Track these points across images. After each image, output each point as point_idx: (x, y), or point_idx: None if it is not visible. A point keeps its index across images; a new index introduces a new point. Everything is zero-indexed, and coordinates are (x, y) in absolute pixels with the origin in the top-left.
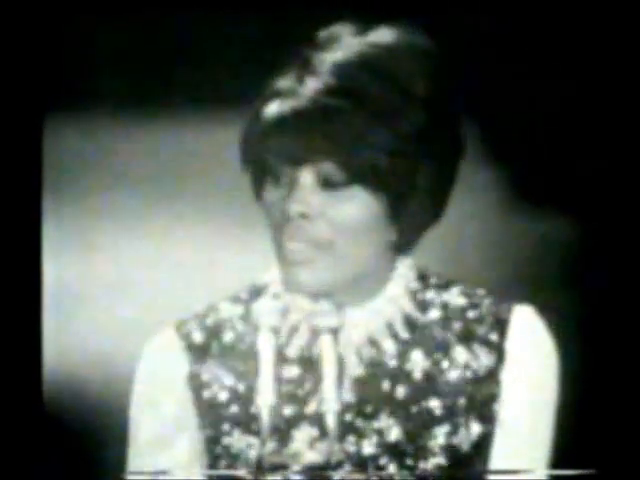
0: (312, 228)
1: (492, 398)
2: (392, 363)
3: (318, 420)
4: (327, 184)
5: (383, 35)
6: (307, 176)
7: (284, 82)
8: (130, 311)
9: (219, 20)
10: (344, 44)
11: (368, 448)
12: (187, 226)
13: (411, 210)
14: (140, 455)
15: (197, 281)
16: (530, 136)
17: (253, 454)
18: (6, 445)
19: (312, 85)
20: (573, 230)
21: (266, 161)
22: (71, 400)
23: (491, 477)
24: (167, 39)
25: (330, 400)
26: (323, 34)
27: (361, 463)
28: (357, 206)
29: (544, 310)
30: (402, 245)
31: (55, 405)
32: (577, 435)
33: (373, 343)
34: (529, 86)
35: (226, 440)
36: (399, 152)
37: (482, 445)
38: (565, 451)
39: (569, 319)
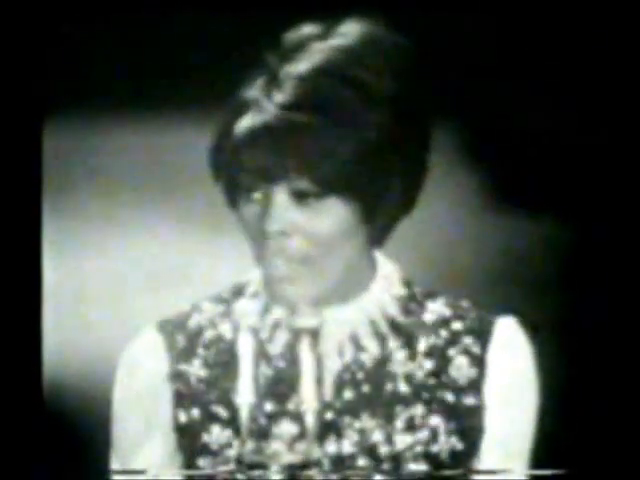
0: (291, 244)
1: (472, 409)
2: (374, 364)
3: (296, 420)
4: (301, 199)
5: (348, 35)
6: (280, 194)
7: (251, 93)
8: (130, 311)
9: (219, 22)
10: (308, 51)
11: (348, 448)
12: (188, 228)
13: (384, 210)
14: (121, 454)
15: (198, 282)
16: (516, 139)
17: (232, 453)
18: (6, 444)
19: (278, 99)
20: (560, 233)
21: (238, 178)
22: (71, 399)
23: (470, 477)
24: (168, 39)
25: (309, 400)
26: (287, 40)
27: (339, 462)
28: (333, 218)
29: (528, 314)
30: (375, 238)
31: (55, 404)
32: (553, 438)
33: (355, 342)
34: (513, 88)
35: (205, 438)
36: (368, 158)
37: (462, 455)
38: (541, 452)
39: (554, 323)
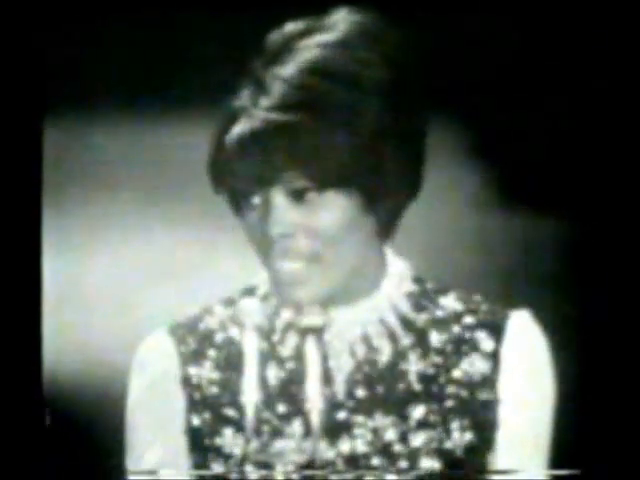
0: (296, 245)
1: (487, 404)
2: (386, 362)
3: (303, 418)
4: (299, 198)
5: (335, 28)
6: (278, 196)
7: (239, 102)
8: (130, 311)
9: (220, 22)
10: (294, 51)
11: (361, 447)
12: (189, 228)
13: (385, 198)
14: (135, 457)
15: (200, 282)
16: (525, 136)
17: (237, 451)
18: (6, 445)
19: (266, 104)
20: (567, 231)
21: (236, 186)
22: (71, 400)
23: (486, 477)
24: (168, 40)
25: (314, 399)
26: (271, 42)
27: (353, 462)
28: (333, 212)
29: (539, 312)
30: (384, 230)
31: (55, 405)
32: (568, 435)
33: (367, 341)
34: (518, 87)
35: (218, 440)
36: (362, 149)
37: (477, 451)
38: (559, 452)
39: (564, 320)
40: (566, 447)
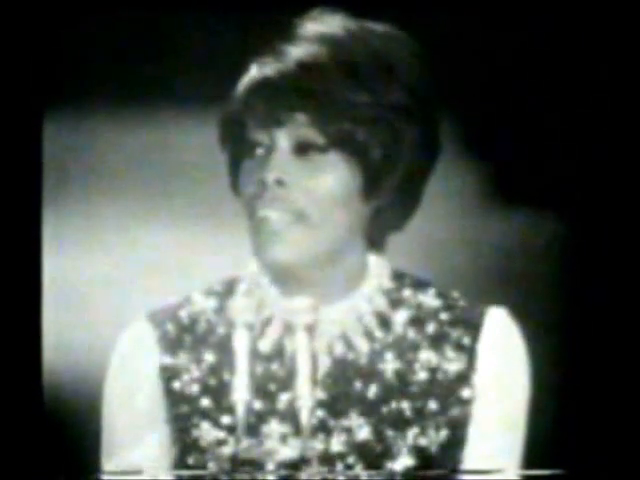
0: (287, 196)
1: (462, 401)
2: (364, 361)
3: (290, 416)
4: (304, 150)
5: (371, 24)
6: (283, 140)
7: (268, 51)
8: (131, 308)
9: (219, 21)
10: (333, 21)
11: (337, 446)
12: (189, 222)
13: (384, 193)
14: (113, 447)
15: (199, 278)
16: (509, 136)
17: (222, 449)
18: (5, 444)
19: (298, 49)
20: (550, 230)
21: (244, 130)
22: (71, 397)
23: (462, 477)
24: (167, 38)
25: (304, 396)
26: (311, 14)
27: (329, 461)
28: (333, 176)
29: (519, 311)
30: (374, 235)
31: (55, 403)
32: (548, 436)
33: (346, 340)
34: (509, 85)
35: (195, 433)
36: (378, 122)
37: (451, 447)
38: (536, 452)
39: (543, 319)
40: (544, 447)
